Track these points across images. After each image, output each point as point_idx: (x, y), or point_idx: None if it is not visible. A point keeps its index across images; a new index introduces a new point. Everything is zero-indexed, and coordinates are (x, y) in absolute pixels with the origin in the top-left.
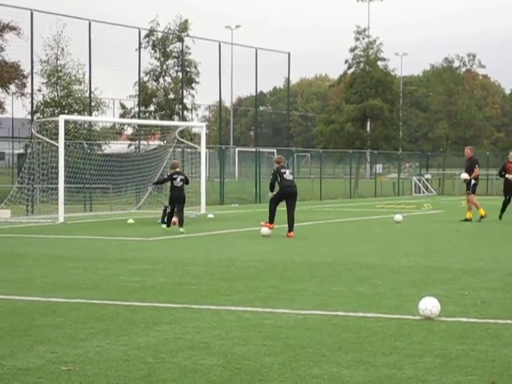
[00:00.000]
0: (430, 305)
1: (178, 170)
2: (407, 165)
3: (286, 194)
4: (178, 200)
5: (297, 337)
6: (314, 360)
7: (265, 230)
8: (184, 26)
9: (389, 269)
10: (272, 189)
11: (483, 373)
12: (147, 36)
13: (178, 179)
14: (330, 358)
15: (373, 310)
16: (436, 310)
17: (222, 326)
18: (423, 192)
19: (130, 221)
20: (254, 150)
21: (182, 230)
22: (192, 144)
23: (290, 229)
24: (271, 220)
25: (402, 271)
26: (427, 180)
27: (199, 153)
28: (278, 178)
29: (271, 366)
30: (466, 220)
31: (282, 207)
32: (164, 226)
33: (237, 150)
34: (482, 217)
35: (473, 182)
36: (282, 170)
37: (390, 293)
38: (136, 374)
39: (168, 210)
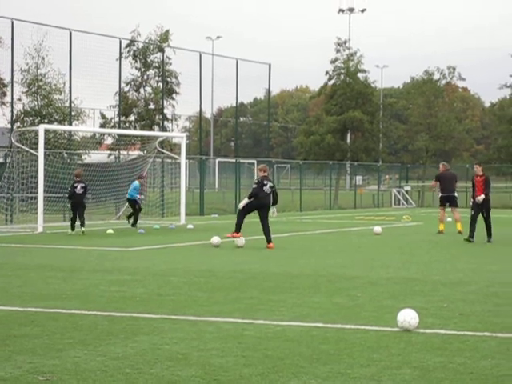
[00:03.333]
0: (408, 317)
1: (80, 179)
2: (387, 177)
3: (260, 206)
4: (78, 206)
5: (276, 348)
6: (292, 371)
7: (239, 241)
8: (165, 37)
9: (368, 280)
10: (250, 197)
11: None
12: (128, 46)
13: (79, 187)
14: (308, 369)
15: (351, 322)
16: (414, 322)
17: (201, 337)
18: (403, 204)
19: (110, 231)
20: (234, 160)
21: (83, 229)
22: (172, 154)
23: (269, 240)
24: (238, 229)
25: (381, 283)
26: (407, 192)
27: (179, 163)
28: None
29: (250, 378)
30: (460, 232)
31: (254, 218)
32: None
33: (217, 160)
34: (440, 232)
35: (439, 194)
36: (265, 182)
37: (369, 304)
38: None
39: (71, 216)
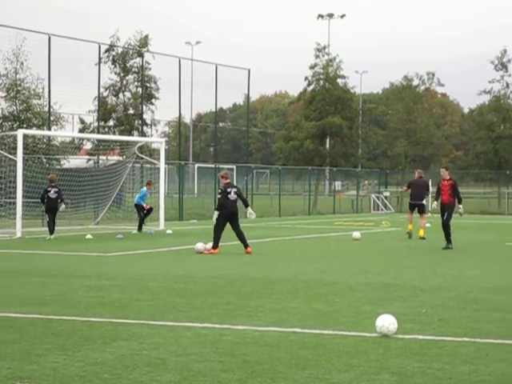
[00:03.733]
0: (387, 322)
1: (54, 183)
2: (366, 182)
3: (229, 216)
4: (51, 210)
5: (254, 353)
6: (270, 377)
7: (199, 246)
8: (144, 42)
9: (346, 286)
10: (219, 208)
11: None
12: (107, 51)
13: (52, 191)
14: (286, 374)
15: (330, 327)
16: (393, 328)
17: (179, 342)
18: (382, 209)
19: (89, 236)
20: (214, 166)
21: (50, 237)
22: (151, 160)
23: (246, 245)
24: (216, 245)
25: (360, 288)
26: (386, 197)
27: (158, 168)
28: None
29: (228, 383)
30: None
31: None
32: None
33: (196, 166)
34: (408, 233)
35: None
36: (229, 190)
37: (348, 310)
38: None
39: (47, 220)
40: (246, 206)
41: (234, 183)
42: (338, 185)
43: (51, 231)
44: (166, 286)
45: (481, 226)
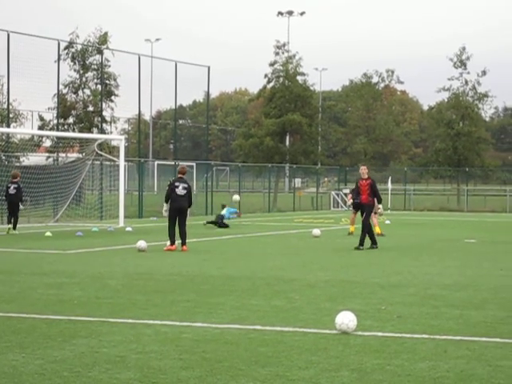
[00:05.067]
0: (346, 319)
1: (16, 180)
2: (326, 179)
3: (176, 210)
4: (12, 206)
5: (214, 351)
6: (230, 374)
7: (141, 244)
8: (104, 39)
9: (306, 283)
10: (167, 201)
11: None
12: (66, 48)
13: (12, 187)
14: (246, 372)
15: (290, 324)
16: (352, 325)
17: (139, 339)
18: (341, 207)
19: (48, 234)
20: (173, 163)
21: (13, 232)
22: (111, 157)
23: (183, 243)
24: (172, 241)
25: (320, 285)
26: (345, 195)
27: (118, 166)
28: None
29: (188, 380)
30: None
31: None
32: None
33: (156, 163)
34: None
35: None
36: (176, 184)
37: (307, 307)
38: None
39: (8, 216)
40: (188, 206)
41: (194, 180)
42: (297, 182)
43: (14, 226)
44: (126, 284)
45: (440, 222)
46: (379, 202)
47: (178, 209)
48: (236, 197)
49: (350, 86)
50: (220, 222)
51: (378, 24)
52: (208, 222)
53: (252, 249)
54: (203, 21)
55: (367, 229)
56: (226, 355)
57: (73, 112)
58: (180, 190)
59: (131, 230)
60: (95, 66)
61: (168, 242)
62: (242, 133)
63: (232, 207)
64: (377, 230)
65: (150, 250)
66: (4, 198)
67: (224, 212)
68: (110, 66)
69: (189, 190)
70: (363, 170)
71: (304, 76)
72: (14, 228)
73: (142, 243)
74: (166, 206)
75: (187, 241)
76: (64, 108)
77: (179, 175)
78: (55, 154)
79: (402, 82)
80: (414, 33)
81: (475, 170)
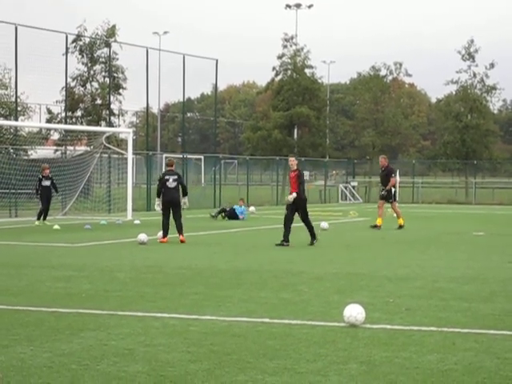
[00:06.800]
0: (354, 312)
1: (47, 175)
2: (334, 172)
3: (169, 203)
4: (45, 198)
5: (222, 343)
6: (238, 367)
7: (141, 237)
8: (111, 32)
9: (314, 276)
10: (158, 195)
11: (407, 380)
12: (74, 41)
13: (46, 181)
14: (254, 364)
15: (298, 317)
16: (361, 317)
17: (147, 332)
18: (349, 199)
19: (56, 227)
20: (181, 156)
21: (42, 222)
22: (119, 150)
23: (180, 233)
24: (165, 233)
25: (328, 278)
26: (353, 187)
27: (126, 159)
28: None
29: (196, 373)
30: (377, 226)
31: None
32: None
33: (164, 156)
34: (400, 226)
35: (393, 190)
36: (166, 177)
37: (316, 300)
38: (60, 381)
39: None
40: (184, 194)
41: (202, 173)
42: (305, 175)
43: (44, 217)
44: (134, 277)
45: (448, 215)
46: (303, 192)
47: (170, 201)
48: (252, 208)
49: (357, 79)
50: (231, 211)
51: (386, 17)
52: (217, 213)
53: (260, 242)
54: (211, 14)
55: (309, 223)
56: (234, 348)
57: (81, 105)
58: (170, 183)
59: (139, 223)
60: (103, 59)
61: (160, 233)
62: (250, 126)
63: (245, 209)
64: (400, 221)
65: (158, 243)
66: (36, 192)
67: (238, 207)
68: (117, 59)
69: (179, 181)
70: (292, 162)
71: (312, 69)
72: (39, 219)
73: (142, 236)
74: (158, 201)
75: (187, 236)
76: (72, 101)
77: (168, 168)
78: (63, 147)
79: (410, 75)
80: (423, 25)
81: (483, 162)
